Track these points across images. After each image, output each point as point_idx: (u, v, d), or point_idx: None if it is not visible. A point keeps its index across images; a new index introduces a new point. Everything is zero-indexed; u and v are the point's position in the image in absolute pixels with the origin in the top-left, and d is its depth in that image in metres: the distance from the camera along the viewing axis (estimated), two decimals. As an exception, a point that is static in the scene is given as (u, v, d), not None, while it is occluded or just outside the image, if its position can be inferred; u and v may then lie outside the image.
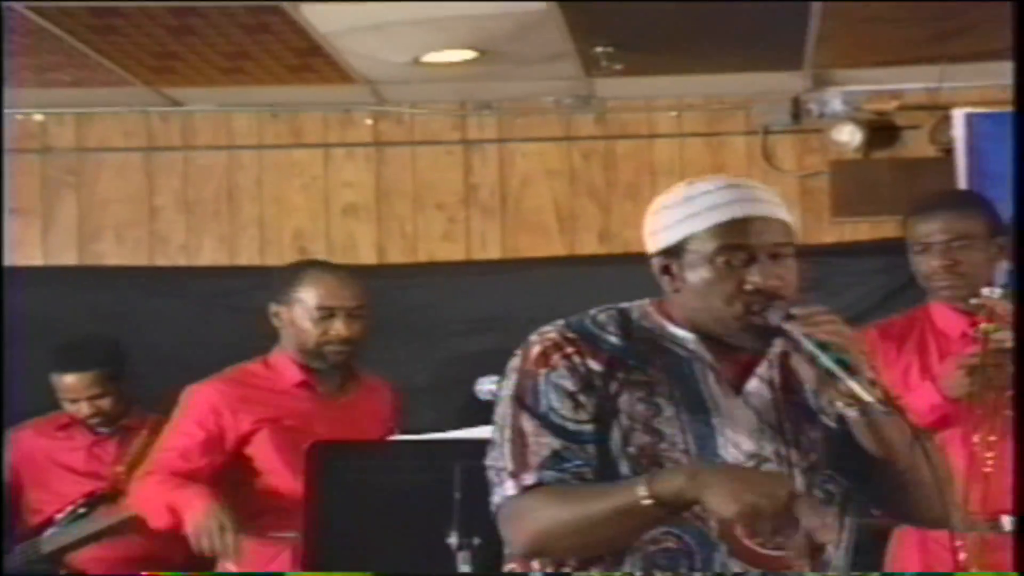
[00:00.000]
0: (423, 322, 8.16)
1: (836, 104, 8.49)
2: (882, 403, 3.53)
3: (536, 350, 3.70)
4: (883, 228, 8.28)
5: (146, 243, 9.05)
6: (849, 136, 8.41)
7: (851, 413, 3.59)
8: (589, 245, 8.85)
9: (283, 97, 8.80)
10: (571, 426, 3.64)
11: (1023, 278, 5.20)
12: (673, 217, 3.72)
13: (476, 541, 4.89)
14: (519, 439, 3.65)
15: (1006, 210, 5.80)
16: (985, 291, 5.34)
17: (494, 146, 8.93)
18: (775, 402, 3.73)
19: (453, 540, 4.92)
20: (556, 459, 3.62)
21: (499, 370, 4.55)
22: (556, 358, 3.68)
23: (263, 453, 6.04)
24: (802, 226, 8.33)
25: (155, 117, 9.05)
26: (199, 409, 6.11)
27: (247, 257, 9.08)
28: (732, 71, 8.30)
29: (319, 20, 7.39)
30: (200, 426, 6.04)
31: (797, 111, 8.57)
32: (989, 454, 5.36)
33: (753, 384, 3.70)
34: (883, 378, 4.65)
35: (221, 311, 8.58)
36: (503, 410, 3.71)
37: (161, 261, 9.06)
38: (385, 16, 7.41)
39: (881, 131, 8.50)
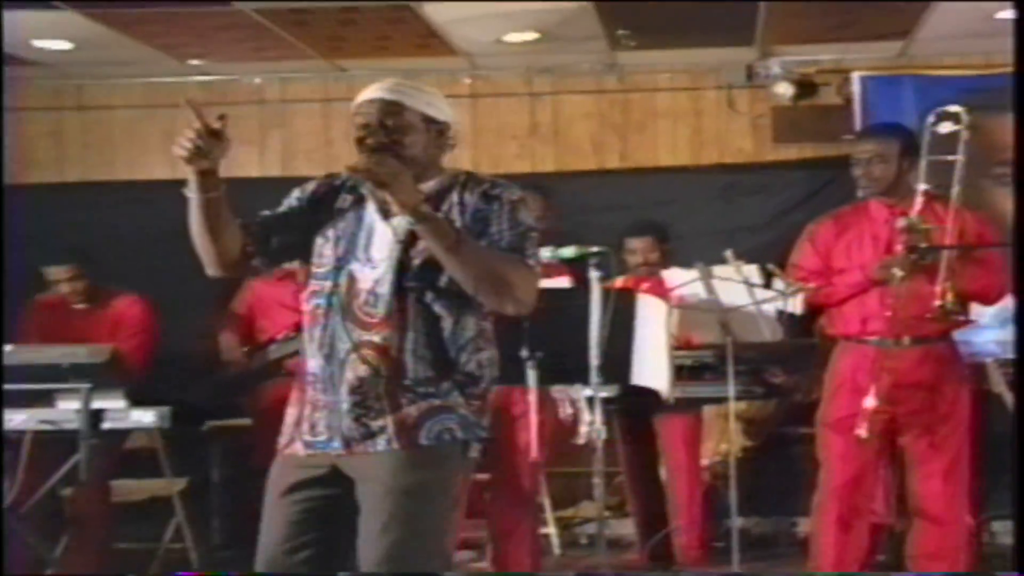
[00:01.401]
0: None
1: (776, 69, 8.87)
2: (415, 217, 3.61)
3: None
4: (806, 151, 8.89)
5: (323, 162, 9.11)
6: (784, 90, 8.83)
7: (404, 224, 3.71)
8: (612, 163, 9.24)
9: (410, 65, 8.66)
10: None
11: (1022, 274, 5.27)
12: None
13: (539, 355, 5.10)
14: None
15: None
16: (921, 195, 5.59)
17: (549, 98, 9.27)
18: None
19: (524, 353, 5.11)
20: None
21: (555, 240, 5.33)
22: None
23: None
24: (754, 149, 8.98)
25: (329, 80, 9.29)
26: None
27: None
28: (708, 47, 8.62)
29: (434, 14, 7.78)
30: None
31: (750, 74, 8.99)
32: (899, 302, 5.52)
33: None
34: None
35: None
36: None
37: (316, 171, 9.40)
38: (477, 10, 7.74)
39: (805, 87, 8.86)
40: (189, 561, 7.87)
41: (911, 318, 5.60)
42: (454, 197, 3.85)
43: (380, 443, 3.73)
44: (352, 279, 3.83)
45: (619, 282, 6.55)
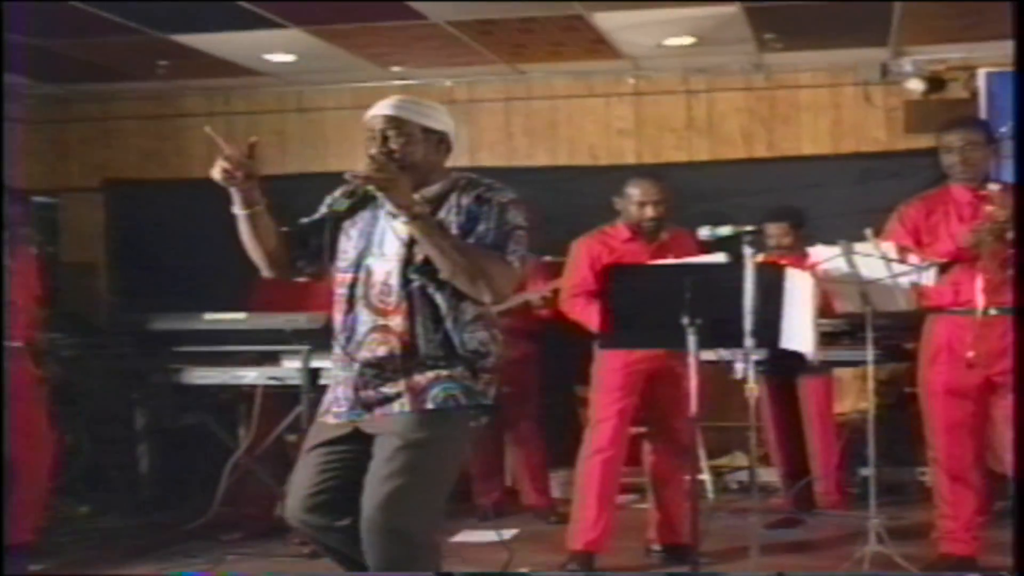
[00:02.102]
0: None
1: (908, 66, 8.79)
2: (407, 216, 3.79)
3: None
4: (935, 140, 8.68)
5: (505, 154, 9.43)
6: (915, 86, 8.77)
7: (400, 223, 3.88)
8: (760, 152, 9.19)
9: (581, 67, 8.97)
10: None
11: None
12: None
13: (699, 321, 5.02)
14: None
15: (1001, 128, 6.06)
16: (991, 185, 5.57)
17: (703, 95, 9.24)
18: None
19: (685, 320, 5.03)
20: None
21: (712, 220, 5.37)
22: None
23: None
24: (888, 139, 8.87)
25: (510, 82, 9.38)
26: (582, 254, 6.25)
27: (564, 160, 9.38)
28: (846, 47, 8.48)
29: (602, 22, 7.78)
30: (587, 263, 6.18)
31: (884, 71, 8.87)
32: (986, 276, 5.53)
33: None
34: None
35: (555, 193, 8.75)
36: None
37: (514, 163, 9.34)
38: (640, 18, 7.70)
39: (934, 82, 8.77)
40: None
41: (994, 290, 5.56)
42: (452, 199, 4.00)
43: (395, 407, 3.92)
44: (369, 272, 4.01)
45: (760, 259, 6.48)
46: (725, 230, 5.28)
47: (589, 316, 6.01)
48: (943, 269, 5.65)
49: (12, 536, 6.42)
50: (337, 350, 4.06)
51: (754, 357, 5.19)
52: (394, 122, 4.00)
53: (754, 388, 5.17)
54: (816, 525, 7.13)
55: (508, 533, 7.19)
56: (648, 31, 8.07)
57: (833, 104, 9.16)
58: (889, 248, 5.77)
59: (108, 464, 7.59)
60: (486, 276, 3.88)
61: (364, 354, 3.96)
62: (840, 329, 7.05)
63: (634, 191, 6.20)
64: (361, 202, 4.11)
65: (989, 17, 7.72)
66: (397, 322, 3.94)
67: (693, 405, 5.20)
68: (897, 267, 5.73)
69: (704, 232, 5.41)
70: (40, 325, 6.53)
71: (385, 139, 4.02)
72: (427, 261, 3.91)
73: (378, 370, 3.95)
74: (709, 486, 8.03)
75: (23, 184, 7.93)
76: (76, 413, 6.95)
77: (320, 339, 6.65)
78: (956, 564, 5.68)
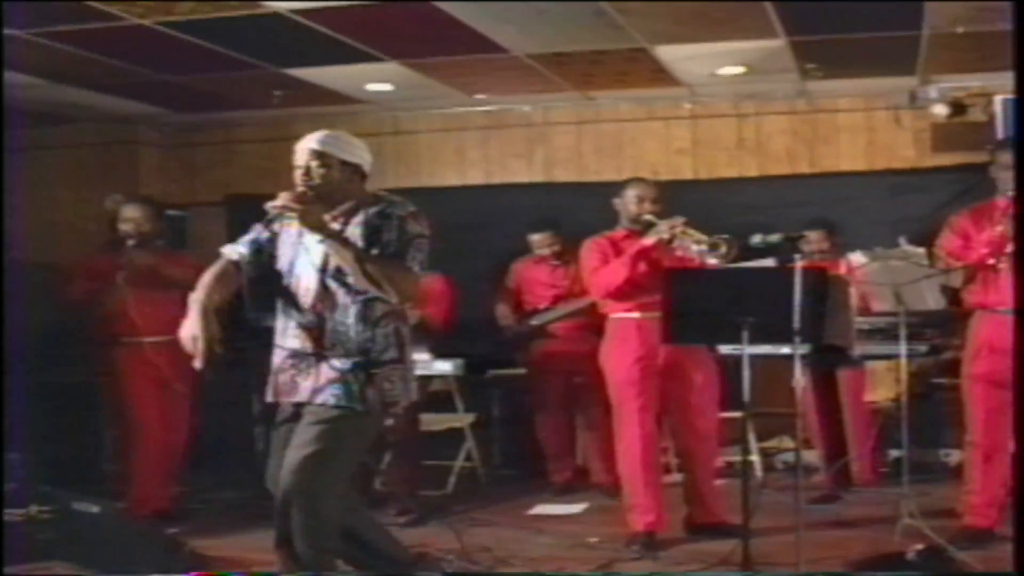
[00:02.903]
0: (708, 206, 7.00)
1: (933, 93, 8.65)
2: (320, 235, 4.08)
3: None
4: (958, 158, 8.45)
5: (576, 171, 9.36)
6: (940, 110, 8.63)
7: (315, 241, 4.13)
8: (803, 168, 9.07)
9: (643, 94, 8.89)
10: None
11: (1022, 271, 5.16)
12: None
13: (750, 319, 4.95)
14: None
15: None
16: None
17: (752, 118, 9.15)
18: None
19: (738, 319, 4.97)
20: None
21: (762, 230, 5.37)
22: None
23: None
24: (916, 157, 8.73)
25: (581, 107, 9.28)
26: (595, 251, 6.05)
27: (628, 175, 8.41)
28: (879, 76, 8.36)
29: (663, 54, 7.72)
30: (601, 259, 5.98)
31: (913, 97, 8.74)
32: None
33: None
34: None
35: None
36: None
37: (584, 179, 9.30)
38: (697, 51, 7.64)
39: (957, 107, 8.62)
40: (477, 476, 8.04)
41: None
42: (359, 216, 4.23)
43: (304, 394, 4.21)
44: (298, 279, 4.27)
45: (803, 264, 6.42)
46: (775, 237, 5.26)
47: (612, 274, 5.88)
48: (975, 271, 5.56)
49: (152, 504, 6.65)
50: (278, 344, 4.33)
51: (800, 351, 5.12)
52: (317, 155, 4.25)
53: (800, 380, 5.10)
54: (853, 500, 7.05)
55: (578, 507, 7.20)
56: (703, 62, 8.01)
57: (867, 126, 9.06)
58: (919, 253, 5.66)
59: (230, 443, 7.70)
60: (392, 280, 4.11)
61: (289, 345, 4.26)
62: (876, 327, 6.97)
63: (632, 191, 6.06)
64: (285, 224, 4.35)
65: (1004, 50, 7.45)
66: (311, 320, 4.22)
67: (746, 392, 5.13)
68: (926, 270, 5.67)
69: (756, 239, 5.39)
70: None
71: (308, 169, 4.27)
72: (339, 269, 4.15)
73: (295, 361, 4.24)
74: (758, 467, 7.90)
75: (159, 199, 8.01)
76: (203, 399, 6.97)
77: (413, 334, 6.74)
78: (977, 535, 5.59)
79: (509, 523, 6.72)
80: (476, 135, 9.59)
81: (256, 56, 7.65)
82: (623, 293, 5.89)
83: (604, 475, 7.58)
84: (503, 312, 8.01)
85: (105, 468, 7.80)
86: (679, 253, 5.82)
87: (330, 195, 4.22)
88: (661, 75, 8.36)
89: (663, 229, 5.76)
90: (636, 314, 5.95)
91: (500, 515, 6.96)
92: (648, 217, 5.92)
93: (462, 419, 8.02)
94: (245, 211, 4.78)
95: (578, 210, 8.18)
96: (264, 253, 4.37)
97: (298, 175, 4.29)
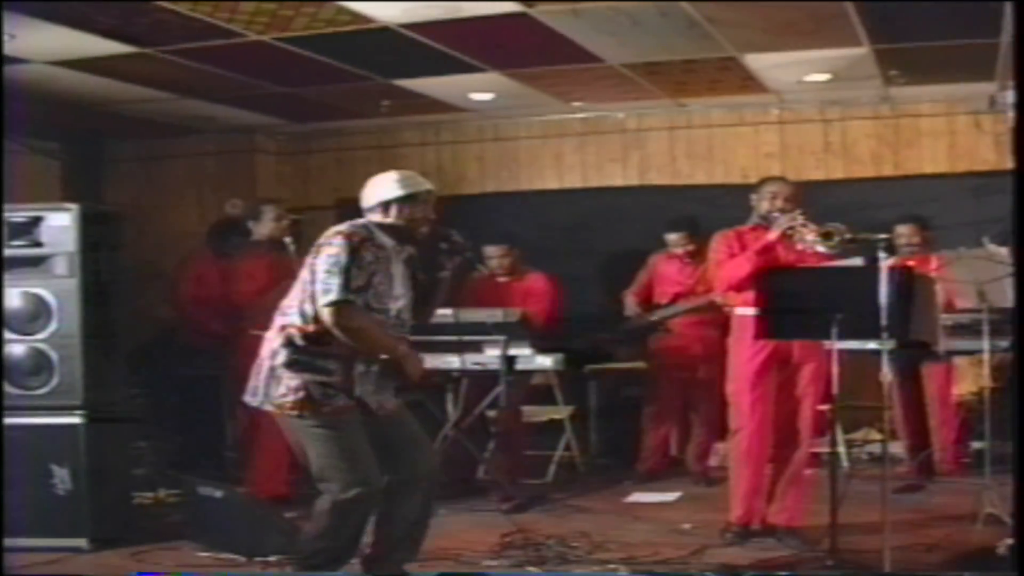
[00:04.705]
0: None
1: (1011, 98, 7.98)
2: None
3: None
4: None
5: (670, 175, 9.29)
6: None
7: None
8: (887, 171, 8.95)
9: (734, 101, 8.81)
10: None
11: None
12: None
13: (839, 316, 4.87)
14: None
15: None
16: None
17: (838, 123, 9.05)
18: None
19: (828, 315, 4.85)
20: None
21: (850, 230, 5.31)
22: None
23: None
24: (996, 160, 8.48)
25: (673, 113, 9.22)
26: (723, 245, 5.93)
27: (719, 179, 9.18)
28: (960, 82, 8.27)
29: (752, 63, 7.67)
30: (728, 253, 5.86)
31: (992, 102, 8.55)
32: None
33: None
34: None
35: (712, 207, 8.33)
36: None
37: (678, 182, 9.27)
38: (785, 59, 7.57)
39: None
40: (575, 465, 8.07)
41: None
42: None
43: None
44: None
45: (891, 262, 6.31)
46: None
47: (737, 268, 5.76)
48: None
49: (271, 489, 6.68)
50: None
51: (887, 347, 5.04)
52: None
53: (887, 374, 5.03)
54: (936, 490, 7.02)
55: (672, 496, 7.20)
56: (790, 70, 7.96)
57: (949, 130, 8.94)
58: (1001, 252, 5.59)
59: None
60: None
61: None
62: (959, 323, 6.87)
63: (767, 188, 5.94)
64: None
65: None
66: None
67: (835, 385, 5.09)
68: (1009, 268, 5.57)
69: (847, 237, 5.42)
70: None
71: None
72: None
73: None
74: (843, 457, 7.83)
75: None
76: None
77: (516, 331, 6.85)
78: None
79: (606, 510, 6.76)
80: (573, 141, 9.61)
81: (366, 68, 7.71)
82: (746, 287, 5.72)
83: (696, 463, 7.62)
84: (631, 303, 8.00)
85: (227, 455, 7.91)
86: (800, 247, 5.72)
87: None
88: (750, 83, 8.30)
89: (783, 222, 5.67)
90: (755, 310, 5.77)
91: (597, 502, 7.00)
92: (774, 214, 5.82)
93: (561, 411, 8.07)
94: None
95: (671, 212, 8.28)
96: None
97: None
